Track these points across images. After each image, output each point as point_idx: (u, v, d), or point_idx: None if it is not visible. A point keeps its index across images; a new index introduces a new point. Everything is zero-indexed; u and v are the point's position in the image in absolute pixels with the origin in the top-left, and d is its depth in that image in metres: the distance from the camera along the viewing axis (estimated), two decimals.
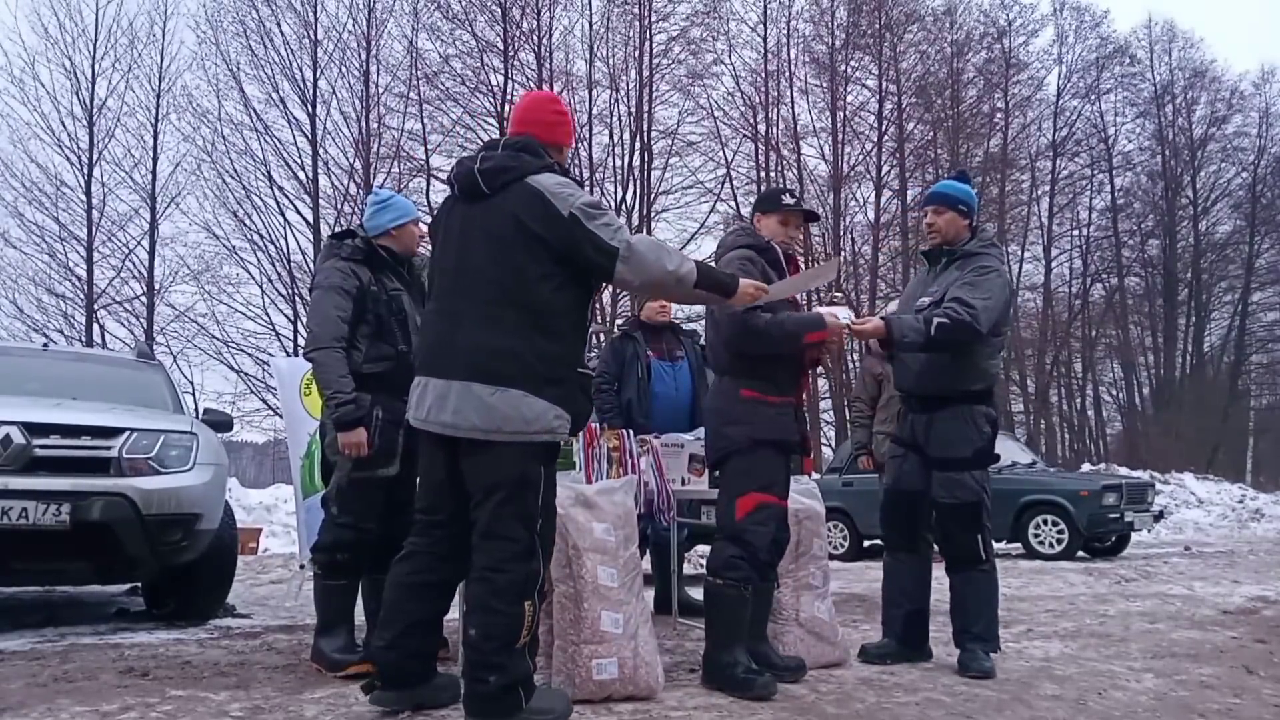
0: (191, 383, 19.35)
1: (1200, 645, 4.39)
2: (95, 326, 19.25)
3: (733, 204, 25.40)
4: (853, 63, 26.19)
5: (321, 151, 21.05)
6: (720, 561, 3.26)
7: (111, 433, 4.33)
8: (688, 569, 7.05)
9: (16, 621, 4.68)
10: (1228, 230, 30.13)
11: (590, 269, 2.71)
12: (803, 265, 3.67)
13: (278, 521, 11.93)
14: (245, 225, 20.27)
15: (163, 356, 18.43)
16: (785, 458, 3.33)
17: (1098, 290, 29.85)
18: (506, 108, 22.49)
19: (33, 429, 4.17)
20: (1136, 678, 3.61)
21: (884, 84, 26.01)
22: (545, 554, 2.74)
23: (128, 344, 18.65)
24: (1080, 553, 9.44)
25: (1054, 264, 29.10)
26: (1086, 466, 20.74)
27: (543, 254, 2.65)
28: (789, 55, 25.59)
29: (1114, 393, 31.78)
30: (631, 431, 3.86)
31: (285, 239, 20.59)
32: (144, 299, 19.64)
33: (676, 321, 5.43)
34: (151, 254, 19.76)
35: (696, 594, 5.52)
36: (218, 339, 19.87)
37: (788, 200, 3.54)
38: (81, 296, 19.30)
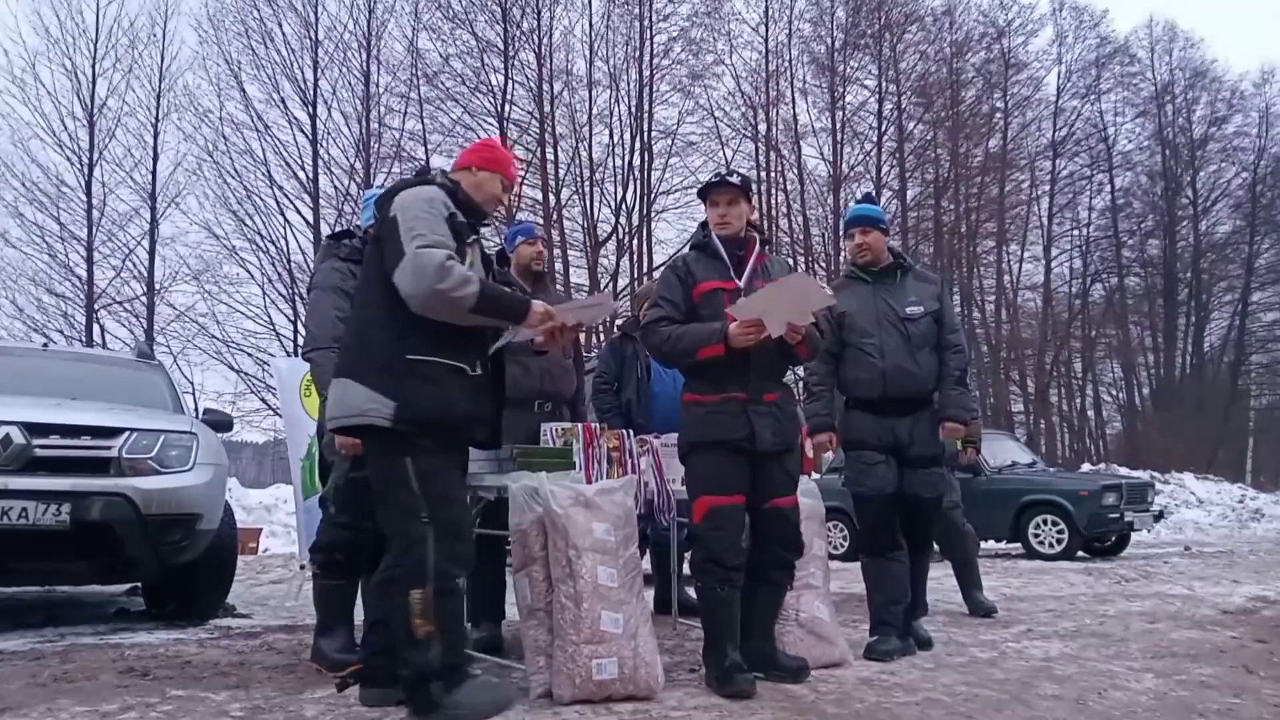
0: (191, 382, 19.36)
1: (1200, 645, 4.38)
2: (95, 326, 19.26)
3: None
4: (852, 63, 26.24)
5: (322, 151, 21.09)
6: (695, 565, 3.32)
7: (111, 433, 4.34)
8: (687, 569, 7.05)
9: (17, 621, 4.68)
10: (1228, 230, 30.15)
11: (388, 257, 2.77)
12: (758, 245, 3.49)
13: (278, 521, 11.94)
14: (245, 225, 20.29)
15: (163, 356, 18.41)
16: (732, 456, 3.24)
17: (1098, 290, 29.87)
18: (507, 107, 22.54)
19: (33, 429, 4.17)
20: (1136, 678, 3.61)
21: (884, 84, 26.05)
22: (442, 541, 2.71)
23: (128, 344, 18.64)
24: (1080, 553, 9.45)
25: (1054, 264, 29.19)
26: (1086, 466, 20.76)
27: (379, 255, 2.81)
28: (789, 55, 25.65)
29: (1114, 393, 31.80)
30: (631, 432, 3.85)
31: (285, 239, 20.66)
32: (144, 299, 19.66)
33: None
34: (151, 254, 19.79)
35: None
36: (218, 339, 19.91)
37: (712, 180, 3.46)
38: (81, 296, 19.32)
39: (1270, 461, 28.56)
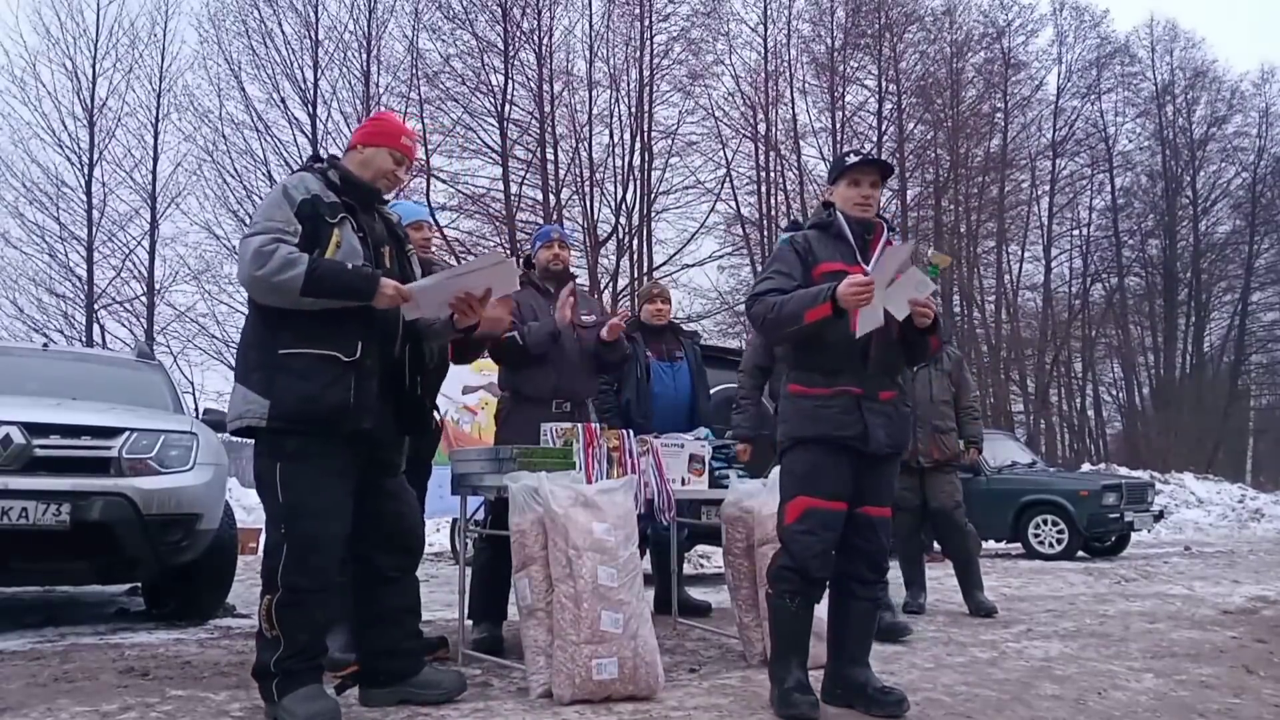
0: (191, 382, 19.41)
1: (1200, 645, 4.39)
2: (95, 326, 19.26)
3: (733, 204, 25.45)
4: (852, 63, 26.24)
5: (321, 151, 21.05)
6: (772, 569, 3.03)
7: (111, 433, 4.33)
8: (687, 569, 7.06)
9: (16, 621, 4.68)
10: (1228, 230, 30.13)
11: None
12: (885, 231, 3.16)
13: None
14: (245, 225, 20.26)
15: (163, 356, 18.40)
16: (837, 456, 2.94)
17: (1098, 290, 29.85)
18: (507, 108, 22.51)
19: (33, 429, 4.17)
20: (1136, 678, 3.62)
21: (884, 84, 26.05)
22: (290, 554, 2.68)
23: (128, 344, 18.64)
24: (1080, 552, 9.45)
25: (1054, 264, 29.18)
26: (1086, 466, 20.73)
27: None
28: (789, 55, 25.65)
29: (1114, 393, 31.80)
30: (631, 432, 3.84)
31: None
32: (144, 299, 19.67)
33: (676, 322, 5.42)
34: (152, 254, 19.80)
35: (696, 594, 5.54)
36: (218, 339, 19.91)
37: (850, 159, 3.14)
38: (82, 296, 19.33)
39: (1270, 461, 28.58)
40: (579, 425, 3.73)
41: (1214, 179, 29.96)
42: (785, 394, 3.10)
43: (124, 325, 19.78)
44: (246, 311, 2.89)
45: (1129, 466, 20.79)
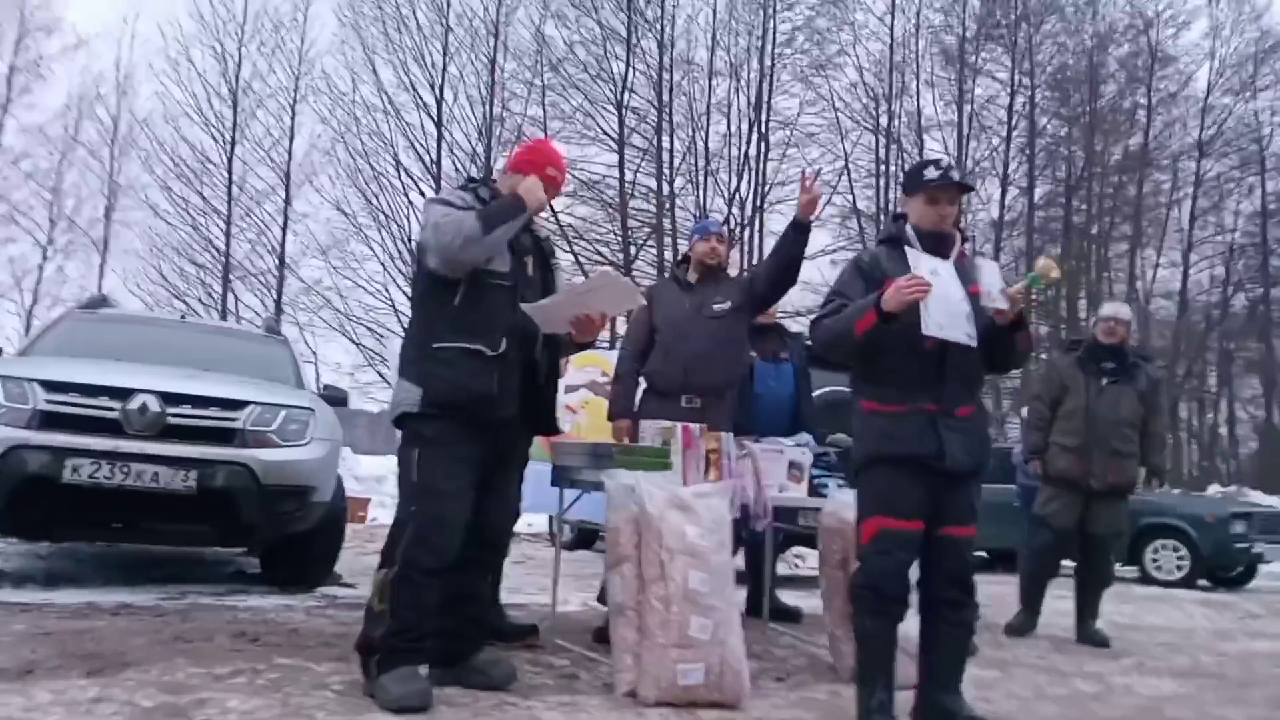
0: (314, 352, 20.31)
1: None
2: (230, 296, 20.37)
3: (850, 197, 24.95)
4: (984, 54, 25.29)
5: (446, 135, 21.67)
6: (852, 589, 2.97)
7: (237, 405, 4.58)
8: (781, 568, 6.98)
9: (146, 576, 5.03)
10: None
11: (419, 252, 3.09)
12: (960, 242, 3.07)
13: (386, 492, 12.37)
14: (372, 204, 21.08)
15: (289, 328, 19.35)
16: (913, 475, 2.84)
17: (1239, 301, 27.95)
18: (627, 95, 22.65)
19: (167, 398, 4.44)
20: None
21: (1016, 76, 25.01)
22: (416, 532, 2.87)
23: (259, 314, 19.67)
24: (1202, 581, 8.92)
25: (1192, 270, 27.43)
26: (1214, 488, 19.54)
27: (418, 262, 3.14)
28: (916, 46, 24.91)
29: (1250, 410, 29.76)
30: (731, 435, 3.82)
31: (407, 219, 21.33)
32: (275, 272, 20.68)
33: (781, 321, 5.34)
34: (284, 229, 20.77)
35: (789, 597, 5.47)
36: (340, 312, 20.79)
37: (930, 174, 2.97)
38: (219, 267, 20.45)
39: None
40: (677, 425, 3.73)
41: None
42: (857, 410, 3.01)
43: (255, 295, 20.87)
44: (408, 311, 3.20)
45: (1264, 490, 19.51)
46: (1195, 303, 27.71)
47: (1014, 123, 25.07)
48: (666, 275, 3.99)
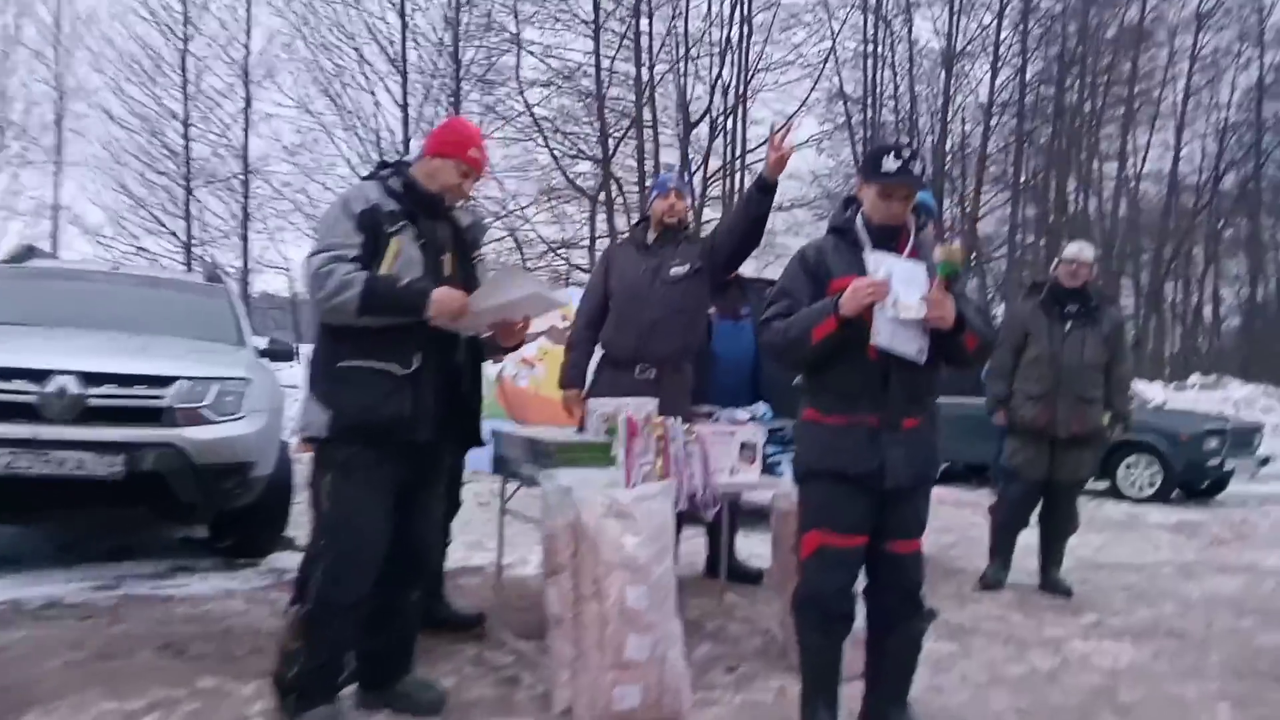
0: (286, 259, 19.84)
1: None
2: (194, 203, 19.72)
3: (836, 80, 24.08)
4: None
5: (410, 24, 20.58)
6: (795, 601, 2.83)
7: (164, 381, 4.34)
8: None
9: (85, 553, 4.88)
10: None
11: None
12: (911, 233, 2.79)
13: None
14: (336, 103, 20.19)
15: (257, 236, 18.84)
16: (854, 489, 2.70)
17: (1230, 180, 27.48)
18: None
19: (88, 378, 4.20)
20: (1209, 710, 3.36)
21: None
22: (328, 570, 2.70)
23: (226, 221, 19.12)
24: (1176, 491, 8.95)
25: (1184, 149, 26.87)
26: (1194, 378, 19.64)
27: None
28: None
29: (1236, 288, 29.66)
30: (679, 420, 3.60)
31: (375, 116, 20.50)
32: (240, 176, 19.96)
33: (741, 273, 5.06)
34: (246, 131, 19.95)
35: (756, 543, 5.33)
36: (312, 216, 20.16)
37: (888, 165, 2.71)
38: (180, 174, 19.71)
39: None
40: (622, 414, 3.51)
41: None
42: (799, 419, 2.86)
43: (221, 201, 20.20)
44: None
45: (1244, 377, 19.63)
46: (1186, 183, 27.29)
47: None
48: (624, 237, 3.78)
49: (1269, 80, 26.68)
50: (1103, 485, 9.20)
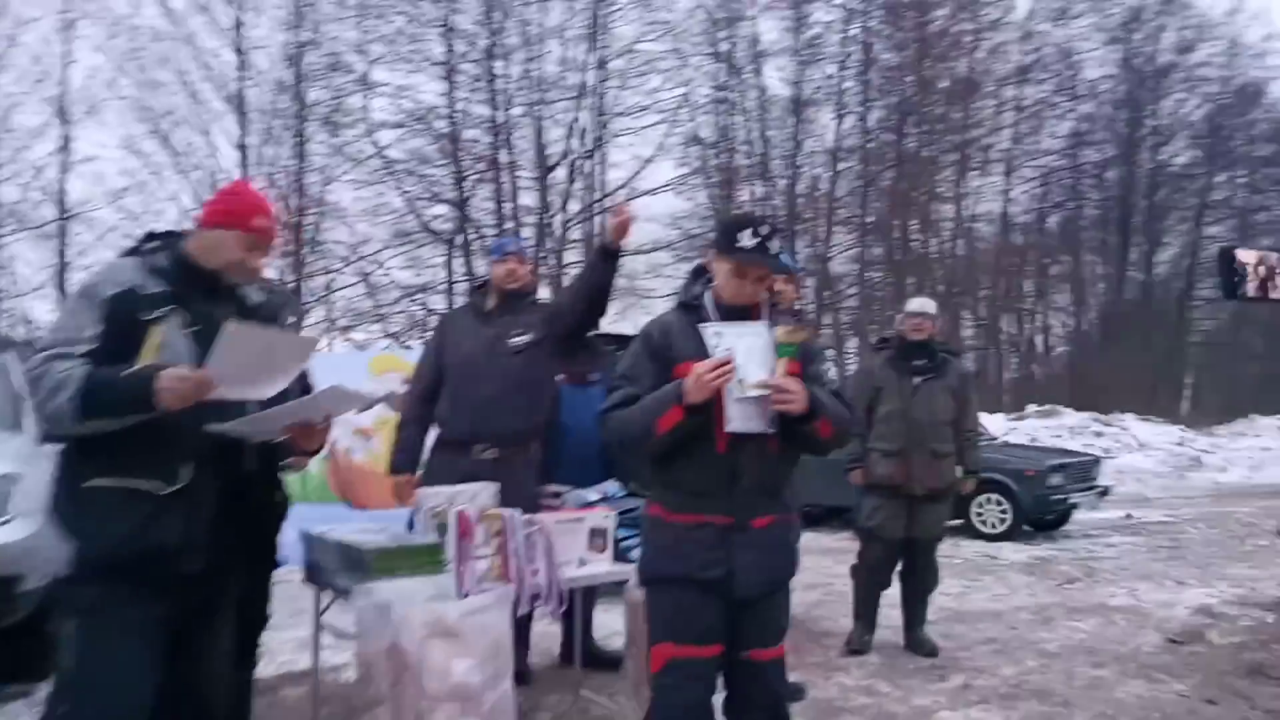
0: None
1: (1149, 709, 4.06)
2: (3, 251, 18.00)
3: (691, 124, 24.45)
4: None
5: (247, 61, 19.62)
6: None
7: None
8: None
9: None
10: (1185, 161, 29.75)
11: None
12: (765, 311, 2.55)
13: None
14: (166, 143, 18.95)
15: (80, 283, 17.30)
16: (705, 594, 2.44)
17: (1055, 219, 29.54)
18: (456, 17, 21.10)
19: None
20: None
21: (852, 2, 24.90)
22: None
23: (42, 269, 17.51)
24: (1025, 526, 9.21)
25: (1013, 193, 28.72)
26: (1031, 408, 20.71)
27: None
28: None
29: (1063, 319, 31.78)
30: (518, 512, 3.25)
31: (211, 158, 19.36)
32: (57, 220, 18.38)
33: (598, 334, 4.75)
34: (64, 171, 18.43)
35: (614, 618, 4.95)
36: None
37: (744, 241, 2.43)
38: None
39: (1210, 399, 28.71)
40: (453, 509, 3.14)
41: (1177, 108, 29.41)
42: (644, 514, 2.60)
43: (34, 250, 18.50)
44: None
45: (1074, 406, 20.81)
46: (1016, 224, 29.10)
47: (849, 51, 25.05)
48: (461, 304, 3.50)
49: (1084, 129, 28.91)
50: (958, 523, 9.35)
